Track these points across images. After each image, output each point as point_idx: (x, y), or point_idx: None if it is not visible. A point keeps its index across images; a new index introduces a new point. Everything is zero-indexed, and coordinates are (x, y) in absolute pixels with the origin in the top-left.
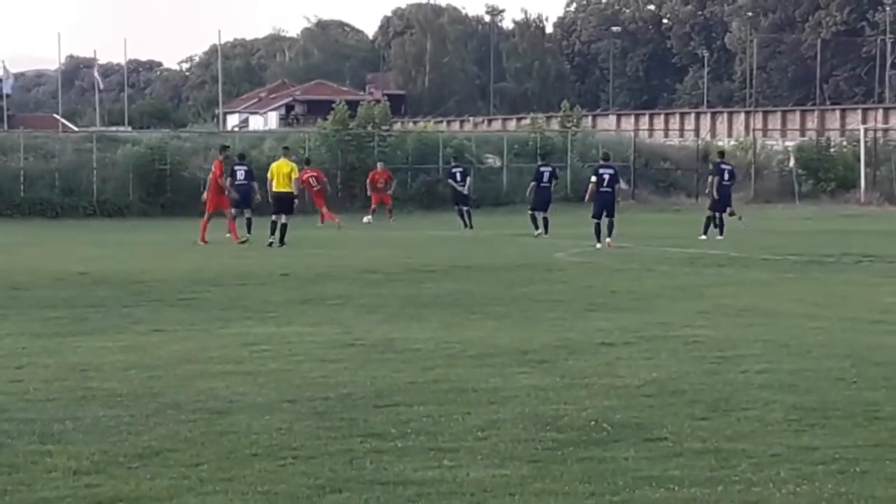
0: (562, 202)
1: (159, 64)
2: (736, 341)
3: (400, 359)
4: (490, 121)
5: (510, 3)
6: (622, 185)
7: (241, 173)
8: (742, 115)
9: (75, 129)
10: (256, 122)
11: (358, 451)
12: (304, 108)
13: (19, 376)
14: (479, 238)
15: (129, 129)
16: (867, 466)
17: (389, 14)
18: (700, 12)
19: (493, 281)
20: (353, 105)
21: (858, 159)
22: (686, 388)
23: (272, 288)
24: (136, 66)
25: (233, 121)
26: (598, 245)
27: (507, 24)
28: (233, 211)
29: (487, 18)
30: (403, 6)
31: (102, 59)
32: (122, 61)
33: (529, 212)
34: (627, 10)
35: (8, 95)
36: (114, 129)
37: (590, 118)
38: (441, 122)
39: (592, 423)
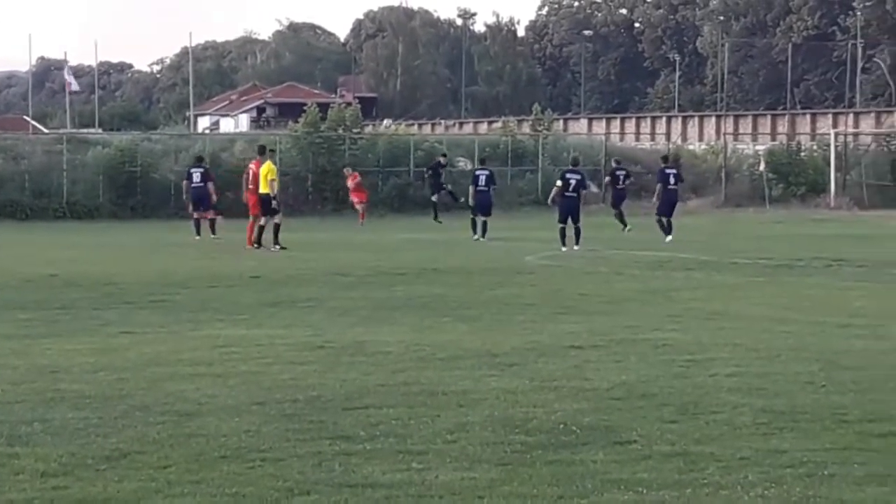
0: (533, 205)
1: (130, 66)
2: (705, 345)
3: (370, 361)
4: (461, 124)
5: (482, 7)
6: (593, 188)
7: (196, 175)
8: (713, 119)
9: (45, 130)
10: (227, 125)
11: (327, 454)
12: (275, 111)
13: None
14: (450, 241)
15: (100, 131)
16: (835, 469)
17: (361, 17)
18: (672, 16)
19: (464, 284)
20: (324, 108)
21: (829, 164)
22: (655, 392)
23: (242, 290)
24: (106, 68)
25: (203, 123)
26: (564, 249)
27: (478, 27)
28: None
29: (459, 22)
30: (375, 9)
31: (73, 61)
32: (93, 63)
33: (471, 216)
34: (599, 14)
35: None
36: (84, 131)
37: (561, 122)
38: (412, 124)
39: (561, 425)
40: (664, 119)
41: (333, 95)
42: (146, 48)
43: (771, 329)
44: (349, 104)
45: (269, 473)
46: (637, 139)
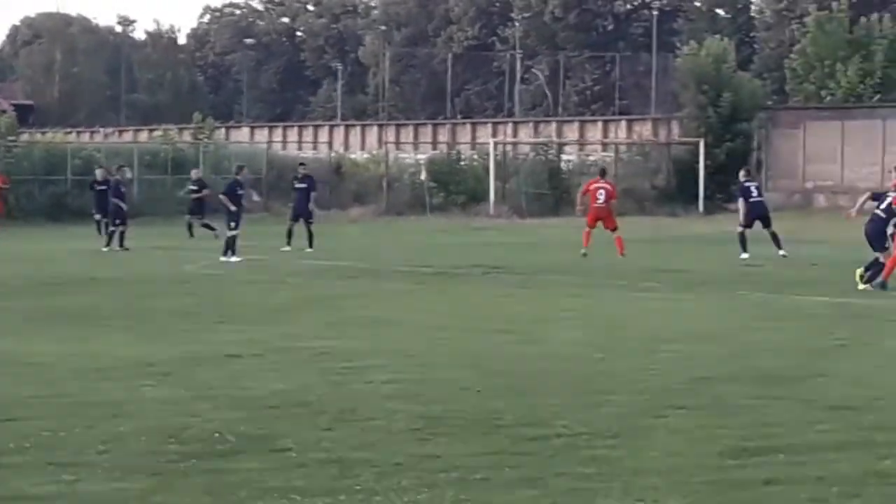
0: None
1: None
2: (363, 352)
3: (22, 372)
4: (121, 132)
5: (142, 14)
6: (255, 197)
7: None
8: (375, 128)
9: None
10: None
11: None
12: None
13: None
14: (107, 251)
15: None
16: (487, 474)
17: (17, 23)
18: (334, 25)
19: (121, 294)
20: None
21: (488, 172)
22: (312, 399)
23: None
24: None
25: None
26: (233, 259)
27: (139, 34)
28: None
29: (119, 29)
30: (33, 15)
31: None
32: None
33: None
34: (261, 23)
35: None
36: None
37: (223, 130)
38: (70, 132)
39: (217, 434)
40: (327, 128)
41: None
42: None
43: (429, 336)
44: (3, 112)
45: None
46: (300, 148)
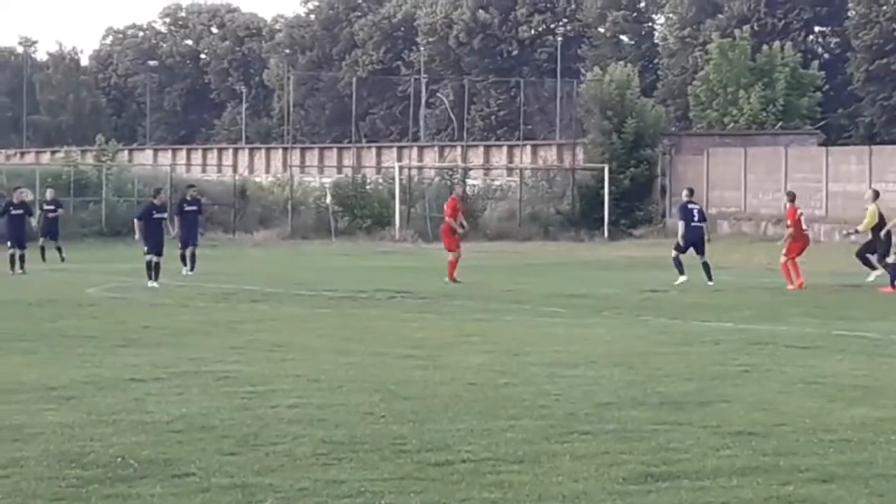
0: (97, 237)
1: None
2: (268, 376)
3: None
4: (23, 154)
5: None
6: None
7: None
8: (280, 152)
9: None
10: None
11: None
12: None
13: None
14: (9, 273)
15: None
16: (392, 499)
17: None
18: (238, 48)
19: (22, 316)
20: None
21: (393, 196)
22: (216, 424)
23: None
24: None
25: None
26: (151, 283)
27: (41, 55)
28: None
29: (20, 50)
30: None
31: None
32: None
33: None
34: (165, 45)
35: None
36: None
37: (126, 152)
38: None
39: (119, 459)
40: (231, 150)
41: None
42: None
43: (333, 360)
44: None
45: None
46: (204, 170)
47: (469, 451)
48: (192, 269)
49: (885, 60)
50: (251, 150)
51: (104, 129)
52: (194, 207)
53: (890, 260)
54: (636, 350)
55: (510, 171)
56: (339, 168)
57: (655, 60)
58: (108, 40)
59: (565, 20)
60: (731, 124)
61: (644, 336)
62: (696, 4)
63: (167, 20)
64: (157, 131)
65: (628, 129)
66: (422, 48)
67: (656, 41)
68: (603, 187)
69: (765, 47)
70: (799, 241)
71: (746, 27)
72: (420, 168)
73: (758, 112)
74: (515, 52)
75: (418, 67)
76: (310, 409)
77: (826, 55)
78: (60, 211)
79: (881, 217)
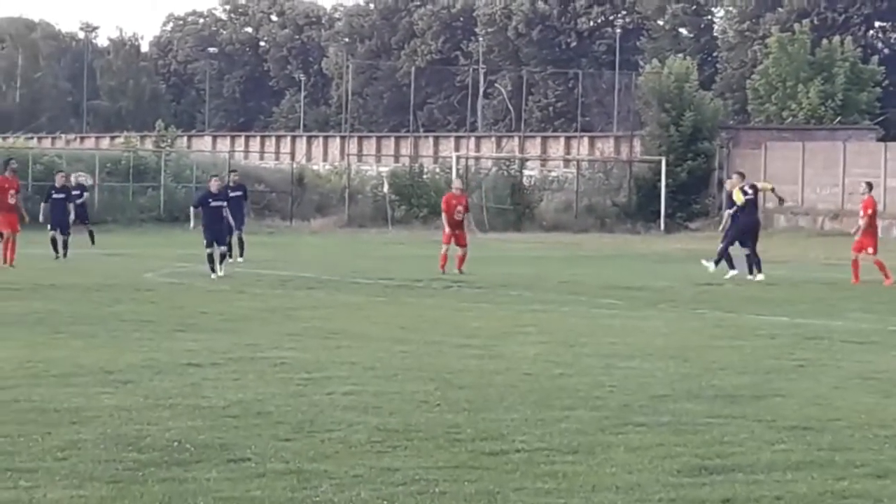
0: (154, 222)
1: None
2: (323, 363)
3: None
4: (83, 138)
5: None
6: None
7: None
8: (338, 140)
9: None
10: None
11: None
12: None
13: None
14: (69, 257)
15: None
16: (446, 487)
17: None
18: (297, 36)
19: (81, 300)
20: None
21: (450, 186)
22: (271, 410)
23: None
24: None
25: None
26: (214, 275)
27: (101, 41)
28: None
29: (81, 35)
30: None
31: None
32: None
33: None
34: (224, 32)
35: None
36: None
37: (185, 138)
38: (32, 138)
39: (175, 443)
40: (289, 138)
41: None
42: None
43: (389, 348)
44: None
45: None
46: (262, 157)
47: (523, 441)
48: (241, 254)
49: None
50: (309, 137)
51: (163, 115)
52: (239, 193)
53: None
54: (691, 343)
55: (567, 162)
56: (397, 157)
57: (714, 53)
58: (169, 27)
59: (624, 12)
60: (790, 118)
61: (699, 329)
62: None
63: (227, 7)
64: (215, 118)
65: (686, 122)
66: (480, 38)
67: (715, 34)
68: (660, 180)
69: (824, 42)
70: (871, 235)
71: (806, 21)
72: (477, 158)
73: (816, 107)
74: (574, 44)
75: (477, 58)
76: (365, 396)
77: (886, 50)
78: (86, 195)
79: None
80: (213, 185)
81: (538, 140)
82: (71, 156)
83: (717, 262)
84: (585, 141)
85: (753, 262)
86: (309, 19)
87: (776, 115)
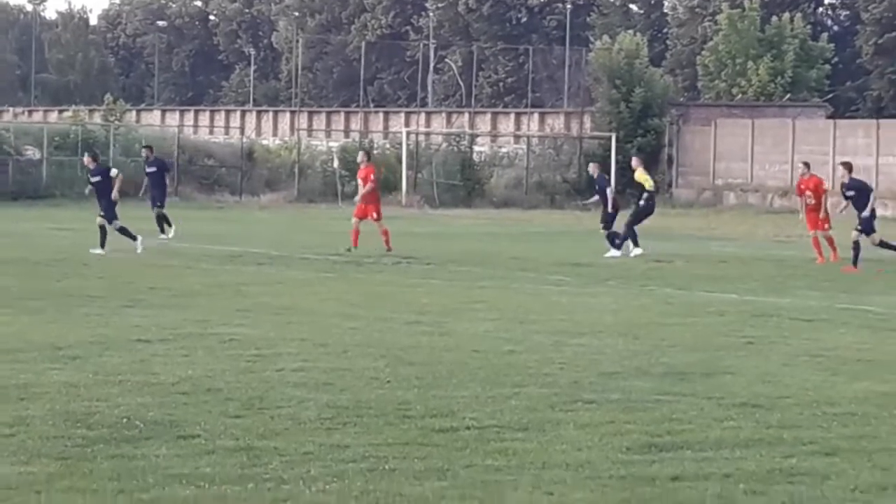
0: None
1: None
2: (273, 340)
3: None
4: (31, 112)
5: None
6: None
7: None
8: (288, 115)
9: None
10: None
11: None
12: None
13: None
14: (16, 232)
15: None
16: (396, 464)
17: None
18: (247, 10)
19: (29, 275)
20: None
21: (401, 162)
22: (221, 386)
23: None
24: None
25: None
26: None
27: (49, 14)
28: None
29: (30, 8)
30: None
31: None
32: None
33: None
34: (174, 6)
35: None
36: None
37: (134, 112)
38: None
39: (125, 420)
40: (239, 113)
41: None
42: None
43: (339, 325)
44: None
45: None
46: (211, 132)
47: (473, 418)
48: (167, 230)
49: (894, 34)
50: (259, 112)
51: (112, 88)
52: (153, 169)
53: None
54: (641, 320)
55: (517, 138)
56: (347, 132)
57: (664, 30)
58: (117, 0)
59: None
60: (740, 95)
61: (649, 306)
62: None
63: None
64: (164, 92)
65: (636, 98)
66: (431, 13)
67: (665, 10)
68: (610, 156)
69: (774, 18)
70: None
71: None
72: (427, 134)
73: (766, 83)
74: (525, 20)
75: (427, 33)
76: (315, 373)
77: (835, 27)
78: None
79: None
80: (87, 161)
81: (488, 116)
82: (19, 129)
83: (619, 245)
84: (536, 117)
85: (630, 237)
86: None
87: (726, 91)
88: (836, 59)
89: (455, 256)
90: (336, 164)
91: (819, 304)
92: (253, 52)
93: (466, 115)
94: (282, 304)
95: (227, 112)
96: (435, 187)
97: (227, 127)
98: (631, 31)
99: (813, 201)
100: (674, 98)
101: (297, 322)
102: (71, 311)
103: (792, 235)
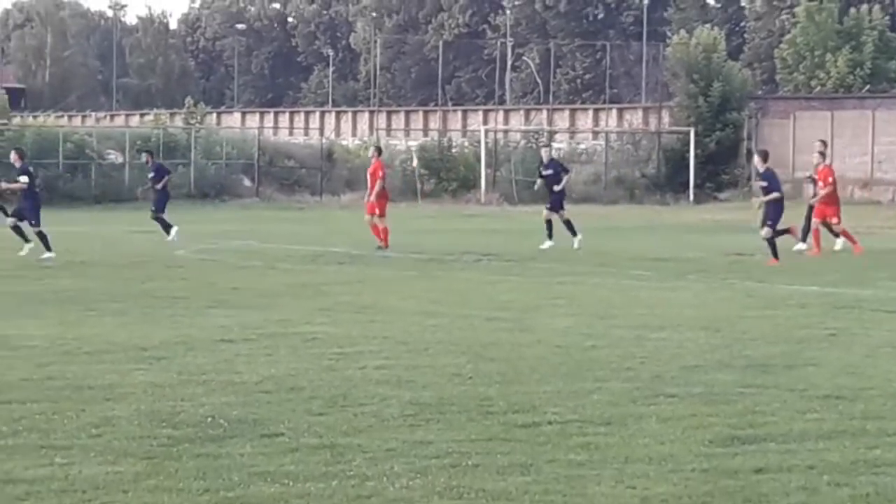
0: (185, 199)
1: None
2: (355, 338)
3: (14, 356)
4: (112, 116)
5: None
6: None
7: None
8: (366, 115)
9: None
10: None
11: None
12: None
13: None
14: (100, 235)
15: None
16: (479, 460)
17: (9, 7)
18: (325, 12)
19: (113, 277)
20: None
21: (479, 160)
22: (304, 385)
23: None
24: None
25: None
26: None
27: (130, 19)
28: None
29: (110, 13)
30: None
31: None
32: None
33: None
34: (252, 8)
35: None
36: None
37: (214, 115)
38: (62, 116)
39: (209, 419)
40: (318, 114)
41: None
42: None
43: (420, 322)
44: None
45: None
46: (291, 133)
47: (556, 413)
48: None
49: None
50: (338, 113)
51: (192, 92)
52: (150, 175)
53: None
54: (722, 313)
55: (596, 134)
56: (426, 131)
57: (742, 23)
58: (197, 4)
59: None
60: (818, 88)
61: (730, 299)
62: None
63: None
64: (244, 94)
65: (714, 92)
66: (508, 11)
67: (743, 4)
68: (689, 150)
69: (852, 10)
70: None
71: None
72: (505, 131)
73: (845, 75)
74: (601, 16)
75: (504, 31)
76: (397, 370)
77: None
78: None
79: None
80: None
81: (566, 112)
82: (101, 133)
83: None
84: (614, 113)
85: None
86: None
87: (804, 84)
88: None
89: (534, 253)
90: (415, 162)
91: None
92: (331, 53)
93: (544, 112)
94: (363, 303)
95: (307, 113)
96: (514, 185)
97: (306, 128)
98: (708, 26)
99: (824, 191)
100: (752, 91)
101: (378, 320)
102: (155, 313)
103: (872, 227)
